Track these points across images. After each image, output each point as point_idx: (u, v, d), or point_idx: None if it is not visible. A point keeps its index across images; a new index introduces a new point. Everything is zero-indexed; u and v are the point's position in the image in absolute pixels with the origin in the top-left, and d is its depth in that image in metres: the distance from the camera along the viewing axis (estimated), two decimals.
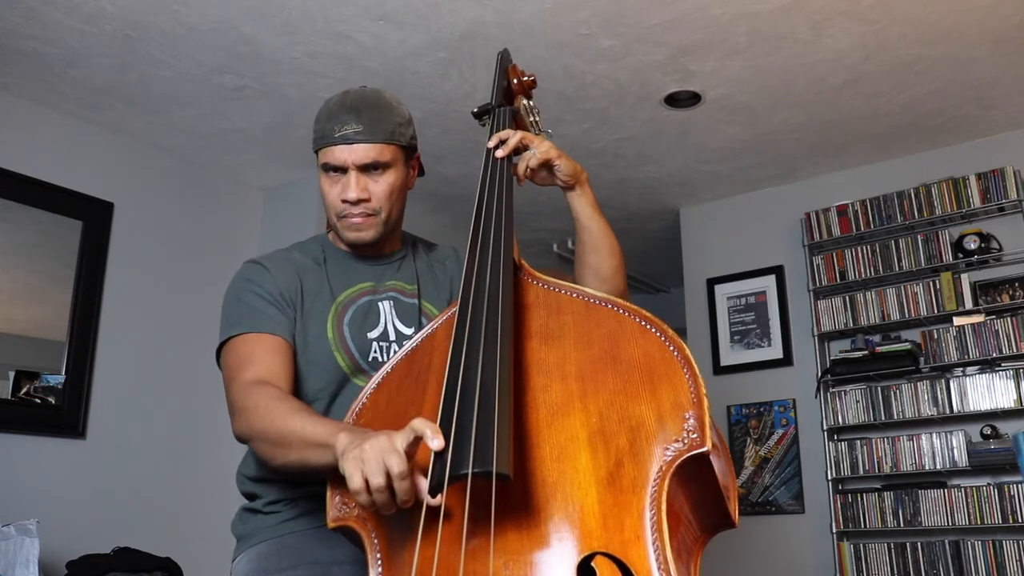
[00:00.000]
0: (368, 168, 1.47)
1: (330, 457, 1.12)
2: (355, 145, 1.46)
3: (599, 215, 1.56)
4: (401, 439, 1.04)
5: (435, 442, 1.00)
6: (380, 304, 1.53)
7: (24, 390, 3.38)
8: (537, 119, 1.63)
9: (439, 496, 1.00)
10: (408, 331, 1.51)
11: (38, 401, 3.42)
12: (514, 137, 1.50)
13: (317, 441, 1.17)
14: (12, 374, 3.36)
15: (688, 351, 1.09)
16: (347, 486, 1.06)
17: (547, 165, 1.51)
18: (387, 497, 1.04)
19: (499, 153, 1.48)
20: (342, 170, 1.48)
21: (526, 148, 1.51)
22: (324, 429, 1.18)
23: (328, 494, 1.16)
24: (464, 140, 3.92)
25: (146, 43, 3.16)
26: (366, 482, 1.03)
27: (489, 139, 1.52)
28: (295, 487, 1.43)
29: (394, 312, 1.53)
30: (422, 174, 1.63)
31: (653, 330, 1.12)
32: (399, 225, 1.59)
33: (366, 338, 1.49)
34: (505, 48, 1.75)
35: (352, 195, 1.47)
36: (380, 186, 1.48)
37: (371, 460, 1.03)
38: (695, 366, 1.07)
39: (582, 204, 1.55)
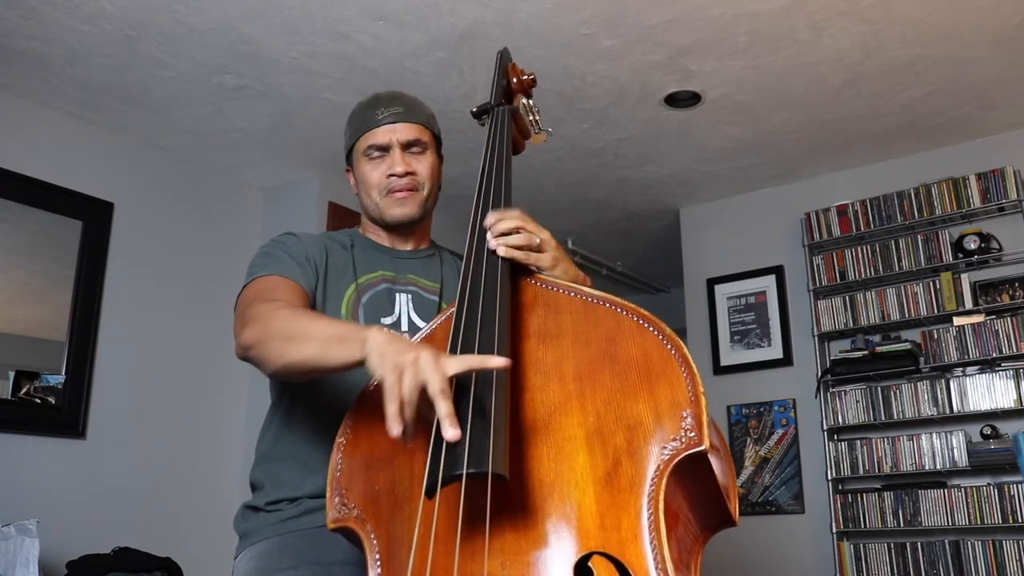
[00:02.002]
0: (411, 146, 1.56)
1: (354, 352, 1.11)
2: (398, 124, 1.55)
3: None
4: (451, 364, 1.00)
5: (449, 432, 0.97)
6: (398, 295, 1.55)
7: (24, 390, 3.39)
8: (537, 118, 1.63)
9: (435, 497, 1.00)
10: (424, 325, 1.50)
11: (38, 401, 3.42)
12: (519, 239, 1.29)
13: (342, 335, 1.17)
14: (12, 374, 3.36)
15: (686, 350, 1.08)
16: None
17: (534, 263, 1.30)
18: (412, 411, 0.99)
19: (499, 250, 1.27)
20: (385, 149, 1.55)
21: (537, 249, 1.31)
22: (351, 325, 1.25)
23: (328, 494, 1.15)
24: (464, 140, 3.92)
25: (146, 43, 3.16)
26: (399, 385, 0.99)
27: (487, 215, 1.32)
28: (299, 484, 1.43)
29: (411, 304, 1.55)
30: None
31: (651, 328, 1.12)
32: (431, 213, 1.64)
33: (378, 323, 1.49)
34: (505, 47, 1.74)
35: (399, 168, 1.54)
36: (422, 164, 1.57)
37: (410, 372, 0.99)
38: (693, 365, 1.06)
39: None
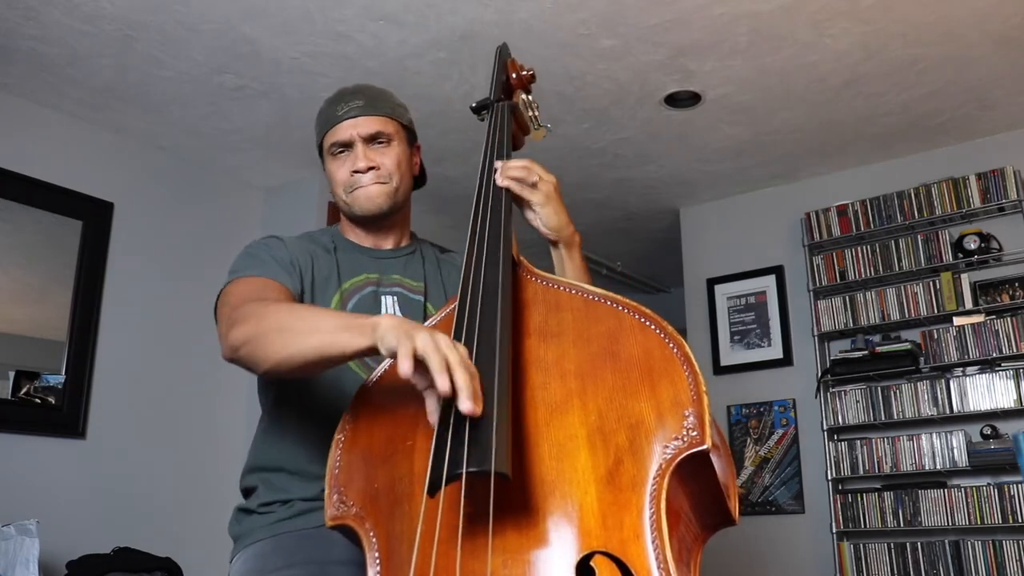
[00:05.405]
0: (373, 140, 1.53)
1: (365, 339, 1.09)
2: (359, 118, 1.53)
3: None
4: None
5: (466, 404, 0.97)
6: (384, 297, 1.53)
7: (24, 390, 3.38)
8: (536, 113, 1.62)
9: (437, 495, 1.00)
10: None
11: (38, 401, 3.42)
12: (518, 171, 1.40)
13: (350, 323, 1.14)
14: (12, 374, 3.36)
15: (688, 348, 1.08)
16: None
17: (527, 196, 1.40)
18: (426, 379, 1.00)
19: (498, 179, 1.40)
20: (348, 145, 1.53)
21: (532, 186, 1.42)
22: (358, 314, 1.20)
23: (327, 492, 1.15)
24: (464, 140, 3.92)
25: (146, 43, 3.16)
26: (414, 354, 1.00)
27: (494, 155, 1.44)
28: (292, 489, 1.43)
29: (397, 307, 1.53)
30: (423, 180, 1.64)
31: (652, 327, 1.11)
32: (407, 207, 1.62)
33: None
34: (504, 42, 1.73)
35: (361, 164, 1.52)
36: (387, 157, 1.54)
37: (429, 343, 1.00)
38: (695, 363, 1.06)
39: (562, 268, 1.48)
